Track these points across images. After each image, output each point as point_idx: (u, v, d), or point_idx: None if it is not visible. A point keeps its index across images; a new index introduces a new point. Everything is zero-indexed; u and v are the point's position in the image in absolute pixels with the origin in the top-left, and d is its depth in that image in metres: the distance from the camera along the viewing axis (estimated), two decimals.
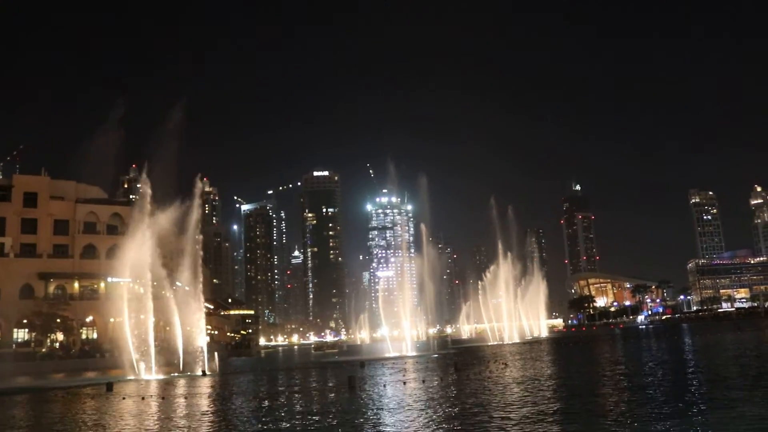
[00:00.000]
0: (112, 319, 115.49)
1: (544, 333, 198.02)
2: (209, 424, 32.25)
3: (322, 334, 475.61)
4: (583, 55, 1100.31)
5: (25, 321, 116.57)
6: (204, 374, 71.76)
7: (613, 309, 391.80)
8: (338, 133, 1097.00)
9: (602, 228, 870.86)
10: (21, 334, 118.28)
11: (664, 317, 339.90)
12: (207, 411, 38.04)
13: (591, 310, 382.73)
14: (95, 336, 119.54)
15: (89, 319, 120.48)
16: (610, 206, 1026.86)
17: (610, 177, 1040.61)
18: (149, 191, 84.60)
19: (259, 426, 29.89)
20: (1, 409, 45.07)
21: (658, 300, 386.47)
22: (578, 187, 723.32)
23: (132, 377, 69.37)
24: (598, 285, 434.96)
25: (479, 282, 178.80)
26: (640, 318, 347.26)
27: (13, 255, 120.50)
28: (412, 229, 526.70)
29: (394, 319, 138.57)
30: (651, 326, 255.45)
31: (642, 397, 32.28)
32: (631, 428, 23.80)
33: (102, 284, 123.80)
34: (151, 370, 71.83)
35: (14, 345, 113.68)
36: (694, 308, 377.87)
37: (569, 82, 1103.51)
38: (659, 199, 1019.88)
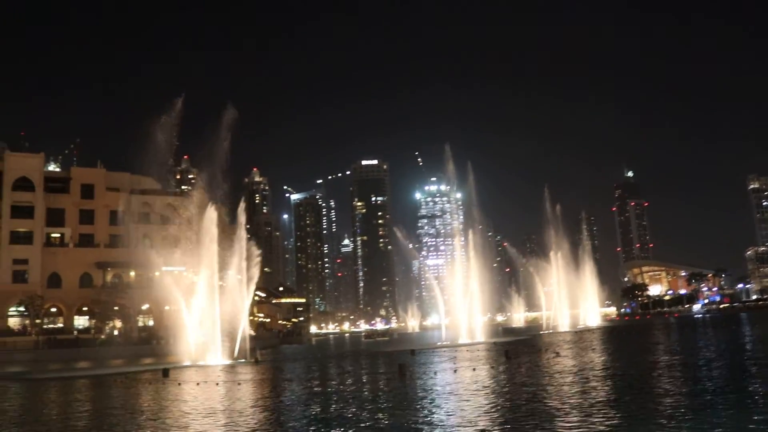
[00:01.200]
0: (167, 307, 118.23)
1: (597, 321, 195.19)
2: (261, 408, 32.72)
3: (373, 322, 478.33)
4: (634, 42, 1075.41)
5: (85, 308, 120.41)
6: (257, 361, 72.82)
7: (667, 297, 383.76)
8: (386, 122, 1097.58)
9: (656, 215, 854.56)
10: (81, 321, 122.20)
11: (721, 306, 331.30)
12: (259, 396, 38.64)
13: (645, 299, 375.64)
14: (151, 323, 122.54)
15: (145, 306, 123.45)
16: (663, 192, 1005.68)
17: (664, 162, 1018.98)
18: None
19: (311, 411, 30.19)
20: (64, 394, 46.59)
21: (714, 288, 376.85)
22: (630, 174, 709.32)
23: (187, 364, 70.83)
24: (652, 273, 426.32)
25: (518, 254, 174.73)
26: (696, 307, 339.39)
27: (72, 245, 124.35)
28: (461, 217, 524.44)
29: (445, 308, 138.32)
30: (708, 315, 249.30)
31: (699, 389, 31.49)
32: (687, 422, 23.25)
33: (156, 273, 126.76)
34: (205, 357, 73.24)
35: (75, 332, 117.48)
36: (754, 297, 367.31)
37: (620, 67, 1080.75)
38: (715, 185, 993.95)
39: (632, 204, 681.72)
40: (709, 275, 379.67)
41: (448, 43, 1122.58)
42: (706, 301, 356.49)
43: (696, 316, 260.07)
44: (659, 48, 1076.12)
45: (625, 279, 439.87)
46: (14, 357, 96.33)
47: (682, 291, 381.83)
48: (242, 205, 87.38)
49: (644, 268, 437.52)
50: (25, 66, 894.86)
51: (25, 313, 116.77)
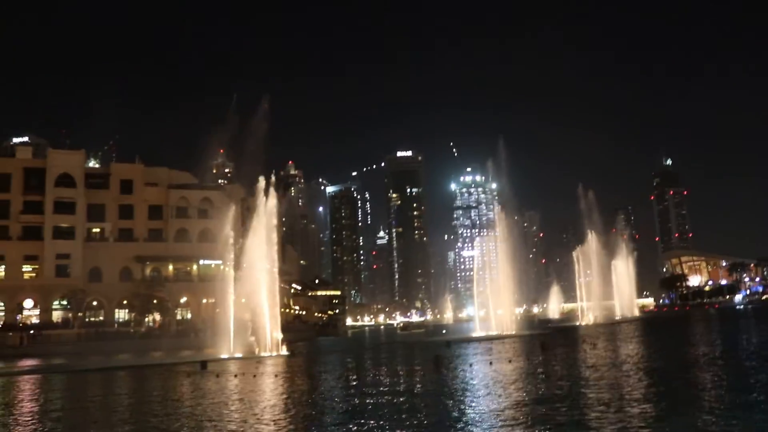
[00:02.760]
0: (204, 300, 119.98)
1: (635, 313, 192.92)
2: (296, 399, 33.09)
3: (408, 314, 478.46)
4: (675, 30, 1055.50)
5: (125, 302, 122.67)
6: (292, 354, 73.47)
7: (707, 288, 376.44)
8: (420, 114, 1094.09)
9: (696, 204, 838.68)
10: (122, 314, 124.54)
11: (764, 297, 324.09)
12: (295, 387, 39.03)
13: (684, 290, 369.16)
14: (189, 316, 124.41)
15: (183, 300, 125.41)
16: (703, 180, 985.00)
17: (704, 150, 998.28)
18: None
19: (347, 402, 30.44)
20: (105, 385, 47.64)
21: (757, 279, 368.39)
22: (669, 162, 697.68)
23: (225, 356, 71.70)
24: (691, 263, 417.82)
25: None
26: (738, 298, 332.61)
27: (112, 239, 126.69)
28: (497, 207, 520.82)
29: (480, 299, 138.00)
30: (750, 306, 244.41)
31: (742, 383, 30.99)
32: (729, 417, 22.93)
33: (194, 266, 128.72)
34: (241, 350, 74.04)
35: (116, 324, 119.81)
36: None
37: (659, 54, 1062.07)
38: (758, 172, 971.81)
39: (671, 193, 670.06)
40: (751, 265, 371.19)
41: (477, 29, 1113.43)
42: (749, 291, 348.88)
43: (737, 307, 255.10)
44: (700, 35, 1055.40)
45: (664, 269, 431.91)
46: (58, 349, 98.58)
47: (723, 281, 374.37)
48: (262, 185, 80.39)
49: (683, 258, 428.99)
50: (63, 64, 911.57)
51: (68, 307, 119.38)
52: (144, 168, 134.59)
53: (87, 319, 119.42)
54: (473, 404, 27.93)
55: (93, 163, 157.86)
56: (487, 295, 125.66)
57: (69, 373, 60.33)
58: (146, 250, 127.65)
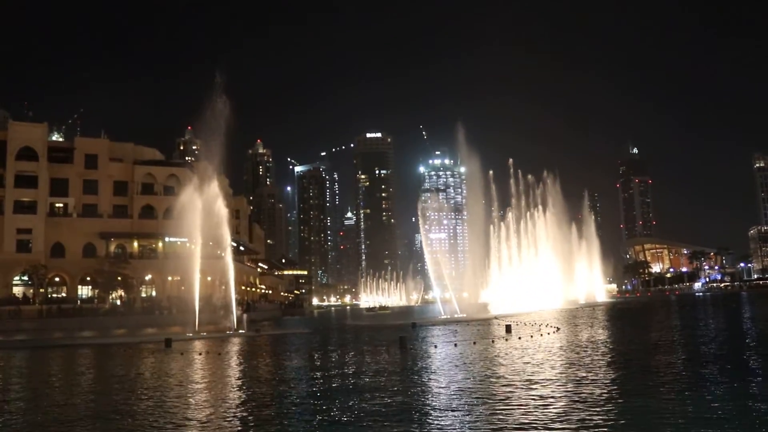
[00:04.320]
0: (169, 278, 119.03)
1: (600, 298, 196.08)
2: (262, 377, 33.08)
3: (375, 295, 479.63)
4: (640, 20, 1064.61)
5: (88, 278, 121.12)
6: (258, 332, 73.35)
7: (669, 275, 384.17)
8: (391, 97, 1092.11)
9: (660, 192, 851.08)
10: (85, 291, 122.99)
11: (722, 285, 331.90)
12: (261, 366, 39.01)
13: (646, 276, 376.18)
14: (154, 294, 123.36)
15: (148, 277, 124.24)
16: (668, 170, 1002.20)
17: (670, 139, 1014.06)
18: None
19: (311, 381, 30.53)
20: (67, 362, 47.12)
21: (716, 267, 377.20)
22: (635, 150, 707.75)
23: (190, 334, 71.33)
24: (654, 251, 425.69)
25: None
26: (697, 285, 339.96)
27: (76, 215, 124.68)
28: (465, 191, 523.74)
29: (445, 282, 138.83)
30: (708, 294, 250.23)
31: (698, 368, 31.79)
32: (687, 401, 23.50)
33: (160, 244, 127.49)
34: (206, 328, 73.75)
35: (79, 301, 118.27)
36: (755, 276, 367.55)
37: (626, 44, 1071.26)
38: (721, 164, 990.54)
39: (636, 181, 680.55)
40: (711, 254, 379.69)
41: (452, 20, 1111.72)
42: (707, 279, 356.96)
43: (696, 294, 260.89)
44: (664, 25, 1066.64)
45: (627, 256, 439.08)
46: (19, 325, 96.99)
47: (684, 269, 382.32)
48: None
49: (646, 246, 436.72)
50: (28, 35, 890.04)
51: (29, 283, 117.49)
52: (109, 143, 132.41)
53: (49, 296, 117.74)
54: (435, 383, 28.18)
55: (57, 137, 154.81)
56: (453, 277, 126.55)
57: (29, 349, 59.52)
58: (111, 227, 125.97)
